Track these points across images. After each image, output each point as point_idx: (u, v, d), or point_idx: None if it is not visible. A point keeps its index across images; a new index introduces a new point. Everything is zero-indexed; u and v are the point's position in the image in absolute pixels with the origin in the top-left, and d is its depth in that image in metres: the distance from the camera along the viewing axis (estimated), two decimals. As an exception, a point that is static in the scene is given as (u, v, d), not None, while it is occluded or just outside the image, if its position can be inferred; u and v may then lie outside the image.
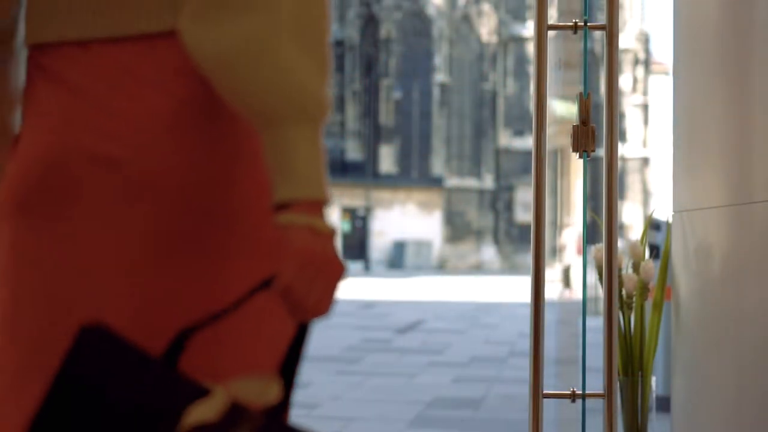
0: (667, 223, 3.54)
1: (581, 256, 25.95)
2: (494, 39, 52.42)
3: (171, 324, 1.21)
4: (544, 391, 2.94)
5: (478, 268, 48.38)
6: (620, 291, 3.52)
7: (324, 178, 1.19)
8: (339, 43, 51.96)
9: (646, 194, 52.35)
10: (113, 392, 1.06)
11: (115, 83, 1.22)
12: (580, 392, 2.96)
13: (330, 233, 1.19)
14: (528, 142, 49.77)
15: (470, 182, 51.11)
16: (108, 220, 1.20)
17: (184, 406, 1.07)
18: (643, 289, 3.53)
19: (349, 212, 50.17)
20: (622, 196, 49.22)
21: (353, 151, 51.30)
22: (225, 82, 1.17)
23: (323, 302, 1.18)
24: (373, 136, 50.99)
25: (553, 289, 20.45)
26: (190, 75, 1.24)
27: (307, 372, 8.95)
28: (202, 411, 1.08)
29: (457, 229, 50.21)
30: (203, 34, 1.18)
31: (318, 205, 1.18)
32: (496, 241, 51.39)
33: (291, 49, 1.18)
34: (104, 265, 1.21)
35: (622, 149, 49.60)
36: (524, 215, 50.50)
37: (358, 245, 50.73)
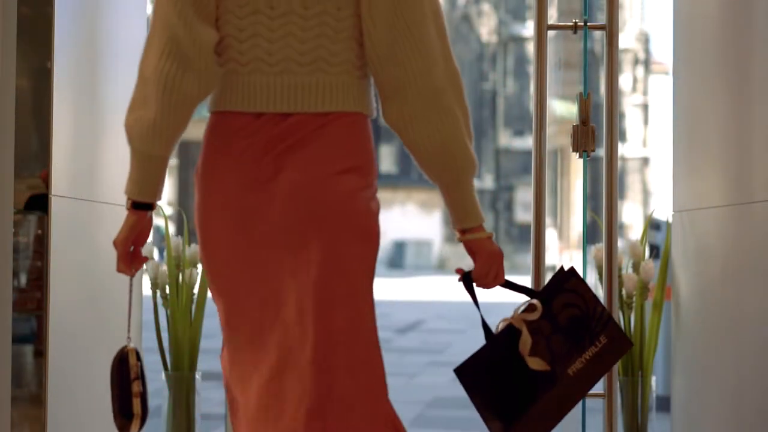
0: (667, 223, 3.54)
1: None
2: (494, 39, 52.39)
3: None
4: (545, 391, 2.94)
5: (478, 268, 48.30)
6: (620, 291, 3.52)
7: (480, 209, 2.10)
8: (339, 43, 51.85)
9: (646, 194, 52.32)
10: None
11: (312, 149, 1.98)
12: (580, 392, 2.96)
13: (491, 237, 2.11)
14: (528, 142, 49.72)
15: (470, 182, 51.05)
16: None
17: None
18: (643, 288, 3.53)
19: (349, 212, 49.86)
20: (622, 196, 49.20)
21: (353, 151, 51.12)
22: (434, 159, 2.03)
23: (499, 277, 2.12)
24: (373, 135, 50.90)
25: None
26: (364, 131, 2.05)
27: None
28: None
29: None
30: (419, 137, 2.02)
31: (482, 225, 2.09)
32: (497, 240, 51.36)
33: (466, 136, 2.04)
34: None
35: (622, 149, 49.57)
36: (524, 215, 50.46)
37: (358, 245, 50.58)
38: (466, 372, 2.18)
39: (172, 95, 1.98)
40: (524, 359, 2.13)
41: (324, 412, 1.91)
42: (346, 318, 1.94)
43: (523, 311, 2.17)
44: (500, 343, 2.17)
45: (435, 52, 2.01)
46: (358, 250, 1.98)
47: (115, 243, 2.04)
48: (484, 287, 2.15)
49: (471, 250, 2.11)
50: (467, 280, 2.15)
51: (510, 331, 2.16)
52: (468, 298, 22.64)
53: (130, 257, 2.05)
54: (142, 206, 2.04)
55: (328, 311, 1.94)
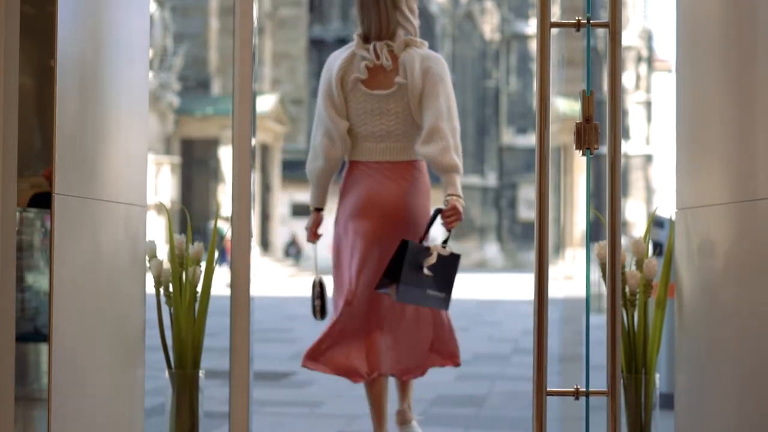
0: (671, 221, 3.54)
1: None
2: (497, 37, 52.31)
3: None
4: (548, 389, 2.94)
5: (482, 266, 48.29)
6: (623, 288, 3.52)
7: (460, 187, 4.14)
8: (341, 41, 51.84)
9: (649, 191, 52.22)
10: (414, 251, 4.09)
11: (394, 178, 4.21)
12: (584, 390, 2.96)
13: (462, 203, 4.11)
14: (531, 139, 49.58)
15: (473, 180, 51.05)
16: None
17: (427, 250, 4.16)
18: (647, 286, 3.53)
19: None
20: (625, 194, 49.09)
21: (356, 149, 50.94)
22: (434, 163, 4.13)
23: (456, 222, 4.11)
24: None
25: (556, 287, 20.44)
26: (421, 169, 4.28)
27: (310, 371, 8.92)
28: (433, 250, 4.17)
29: (460, 226, 50.20)
30: (424, 150, 4.13)
31: (459, 194, 4.12)
32: (500, 238, 51.33)
33: (454, 153, 4.13)
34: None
35: (625, 146, 49.46)
36: (527, 213, 50.35)
37: (361, 243, 50.42)
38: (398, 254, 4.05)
39: (328, 154, 4.20)
40: (422, 267, 4.09)
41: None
42: None
43: (441, 247, 4.16)
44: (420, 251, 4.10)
45: (443, 118, 4.11)
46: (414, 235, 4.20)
47: (307, 228, 4.34)
48: (446, 223, 4.15)
49: (450, 203, 4.11)
50: (435, 215, 4.16)
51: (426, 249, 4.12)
52: (470, 295, 22.69)
53: (314, 235, 4.34)
54: (317, 209, 4.30)
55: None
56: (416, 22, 4.23)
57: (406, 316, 4.25)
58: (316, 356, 4.37)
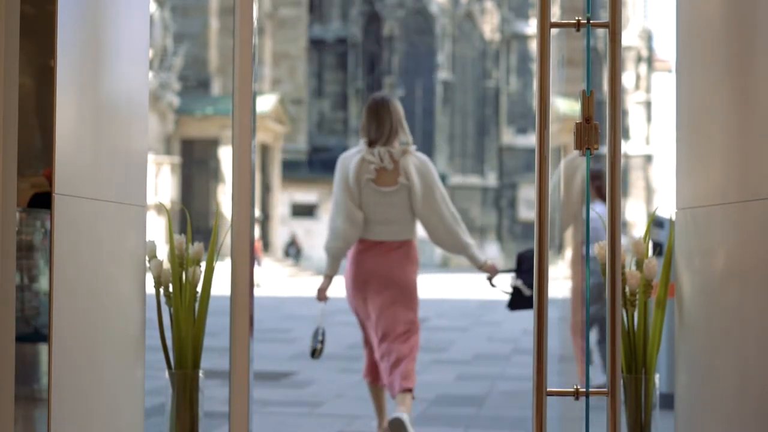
0: (671, 221, 3.53)
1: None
2: (497, 36, 52.30)
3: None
4: (548, 389, 2.94)
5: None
6: (623, 288, 3.51)
7: (481, 256, 5.59)
8: (341, 41, 51.87)
9: (649, 191, 52.21)
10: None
11: (393, 254, 5.40)
12: (584, 390, 2.96)
13: (489, 262, 5.60)
14: (531, 139, 49.56)
15: (473, 180, 51.07)
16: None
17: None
18: (647, 286, 3.52)
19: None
20: (625, 194, 49.08)
21: (356, 149, 50.90)
22: (453, 251, 5.52)
23: (495, 274, 5.64)
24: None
25: (556, 287, 20.37)
26: (412, 245, 5.45)
27: (310, 370, 8.93)
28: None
29: (460, 226, 50.15)
30: (441, 246, 5.51)
31: (485, 261, 5.58)
32: (500, 238, 51.31)
33: (465, 236, 5.48)
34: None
35: (625, 146, 49.44)
36: (527, 213, 50.34)
37: (361, 243, 50.38)
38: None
39: (347, 236, 5.29)
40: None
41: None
42: (405, 321, 5.37)
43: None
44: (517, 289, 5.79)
45: (445, 212, 5.34)
46: (406, 296, 5.35)
47: (318, 290, 5.47)
48: (489, 277, 5.57)
49: (485, 269, 5.49)
50: (489, 280, 5.56)
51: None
52: (470, 294, 22.70)
53: (325, 296, 5.46)
54: (330, 276, 5.41)
55: (393, 317, 5.30)
56: (408, 133, 5.49)
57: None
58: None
